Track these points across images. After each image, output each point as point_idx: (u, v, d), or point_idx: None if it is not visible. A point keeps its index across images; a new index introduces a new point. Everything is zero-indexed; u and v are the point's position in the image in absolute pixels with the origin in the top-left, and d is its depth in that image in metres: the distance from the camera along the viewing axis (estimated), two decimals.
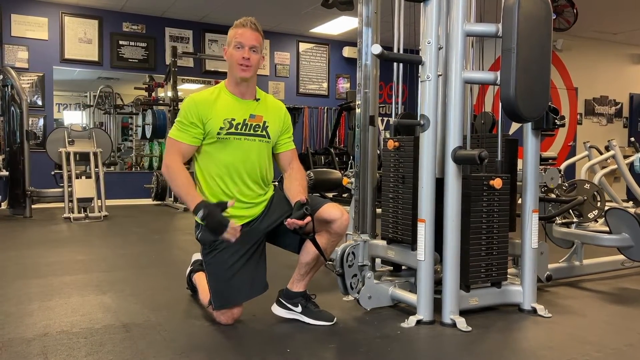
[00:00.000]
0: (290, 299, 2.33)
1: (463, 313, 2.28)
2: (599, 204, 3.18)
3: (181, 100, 7.27)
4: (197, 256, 2.70)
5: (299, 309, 2.31)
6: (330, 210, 2.22)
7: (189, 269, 2.72)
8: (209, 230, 2.14)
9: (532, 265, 2.48)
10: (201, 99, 2.26)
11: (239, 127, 2.26)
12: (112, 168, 7.67)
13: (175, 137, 2.24)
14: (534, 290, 2.48)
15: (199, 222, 2.17)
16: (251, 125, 2.28)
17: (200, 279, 2.45)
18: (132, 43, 7.83)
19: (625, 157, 4.73)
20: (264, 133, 2.31)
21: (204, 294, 2.33)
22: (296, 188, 2.28)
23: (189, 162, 2.40)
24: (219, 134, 2.22)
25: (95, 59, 7.62)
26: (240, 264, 2.23)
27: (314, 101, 9.09)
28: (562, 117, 2.49)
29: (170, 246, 4.41)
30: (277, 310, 2.36)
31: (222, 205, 2.14)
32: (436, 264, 2.32)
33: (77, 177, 5.90)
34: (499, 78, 2.16)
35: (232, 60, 2.24)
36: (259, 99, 2.34)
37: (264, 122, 2.31)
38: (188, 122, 2.22)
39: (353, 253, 2.52)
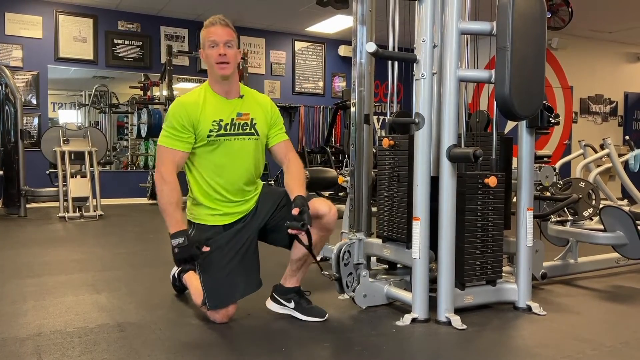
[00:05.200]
0: (284, 294, 2.34)
1: (458, 311, 2.28)
2: (593, 202, 3.19)
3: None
4: None
5: (292, 304, 2.32)
6: (319, 205, 2.21)
7: (176, 268, 2.67)
8: (175, 258, 2.17)
9: (527, 263, 2.48)
10: (189, 102, 2.23)
11: (228, 127, 2.24)
12: (107, 167, 7.63)
13: (168, 145, 2.20)
14: (529, 288, 2.48)
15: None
16: (239, 124, 2.27)
17: (192, 279, 2.44)
18: (127, 42, 7.81)
19: (620, 155, 4.74)
20: (253, 130, 2.30)
21: (197, 294, 2.32)
22: (294, 183, 2.26)
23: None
24: (208, 136, 2.21)
25: (90, 57, 7.60)
26: (235, 262, 2.23)
27: (309, 100, 9.08)
28: (557, 116, 2.49)
29: (166, 245, 4.33)
30: (270, 305, 2.38)
31: (199, 244, 2.17)
32: (431, 262, 2.32)
33: (72, 176, 5.87)
34: (493, 76, 2.17)
35: (209, 60, 2.22)
36: (242, 96, 2.32)
37: (252, 120, 2.30)
38: (180, 127, 2.19)
39: (349, 252, 2.52)
